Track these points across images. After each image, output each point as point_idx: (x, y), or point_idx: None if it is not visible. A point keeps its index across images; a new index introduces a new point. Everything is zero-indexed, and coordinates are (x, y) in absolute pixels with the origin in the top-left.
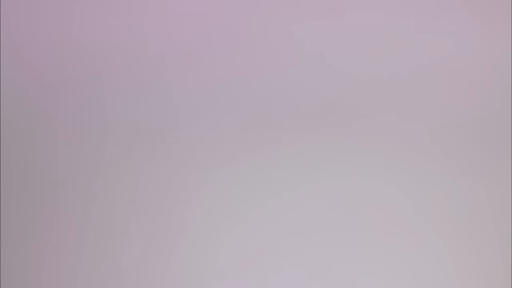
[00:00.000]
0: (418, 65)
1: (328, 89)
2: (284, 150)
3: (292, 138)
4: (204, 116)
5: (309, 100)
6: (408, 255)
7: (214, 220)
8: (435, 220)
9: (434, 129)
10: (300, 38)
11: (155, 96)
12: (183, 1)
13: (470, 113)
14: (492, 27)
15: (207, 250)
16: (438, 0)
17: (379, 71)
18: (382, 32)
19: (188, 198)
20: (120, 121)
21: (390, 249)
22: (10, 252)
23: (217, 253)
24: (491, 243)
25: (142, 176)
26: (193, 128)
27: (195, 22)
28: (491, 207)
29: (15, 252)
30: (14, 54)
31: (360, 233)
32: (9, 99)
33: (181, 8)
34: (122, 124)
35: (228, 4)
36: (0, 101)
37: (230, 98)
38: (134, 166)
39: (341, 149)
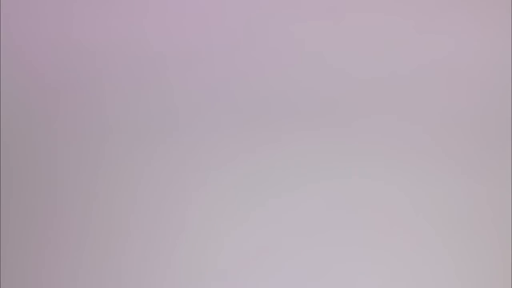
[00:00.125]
0: (418, 65)
1: (328, 89)
2: (284, 150)
3: (292, 138)
4: (204, 116)
5: (309, 100)
6: (408, 255)
7: (214, 220)
8: (435, 220)
9: (434, 129)
10: (300, 38)
11: (155, 96)
12: (183, 1)
13: (470, 113)
14: (492, 27)
15: (207, 250)
16: (438, 0)
17: (379, 71)
18: (382, 32)
19: (188, 198)
20: (120, 121)
21: (390, 249)
22: (10, 252)
23: (217, 253)
24: (491, 243)
25: (142, 176)
26: (193, 128)
27: (195, 22)
28: (491, 207)
29: (15, 252)
30: (14, 54)
31: (360, 233)
32: (9, 99)
33: (181, 8)
34: (122, 124)
35: (228, 4)
36: (0, 101)
37: (230, 98)
38: (134, 166)
39: (341, 149)
